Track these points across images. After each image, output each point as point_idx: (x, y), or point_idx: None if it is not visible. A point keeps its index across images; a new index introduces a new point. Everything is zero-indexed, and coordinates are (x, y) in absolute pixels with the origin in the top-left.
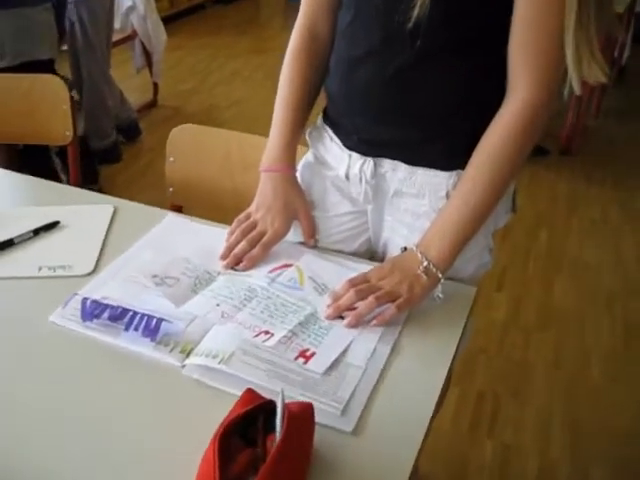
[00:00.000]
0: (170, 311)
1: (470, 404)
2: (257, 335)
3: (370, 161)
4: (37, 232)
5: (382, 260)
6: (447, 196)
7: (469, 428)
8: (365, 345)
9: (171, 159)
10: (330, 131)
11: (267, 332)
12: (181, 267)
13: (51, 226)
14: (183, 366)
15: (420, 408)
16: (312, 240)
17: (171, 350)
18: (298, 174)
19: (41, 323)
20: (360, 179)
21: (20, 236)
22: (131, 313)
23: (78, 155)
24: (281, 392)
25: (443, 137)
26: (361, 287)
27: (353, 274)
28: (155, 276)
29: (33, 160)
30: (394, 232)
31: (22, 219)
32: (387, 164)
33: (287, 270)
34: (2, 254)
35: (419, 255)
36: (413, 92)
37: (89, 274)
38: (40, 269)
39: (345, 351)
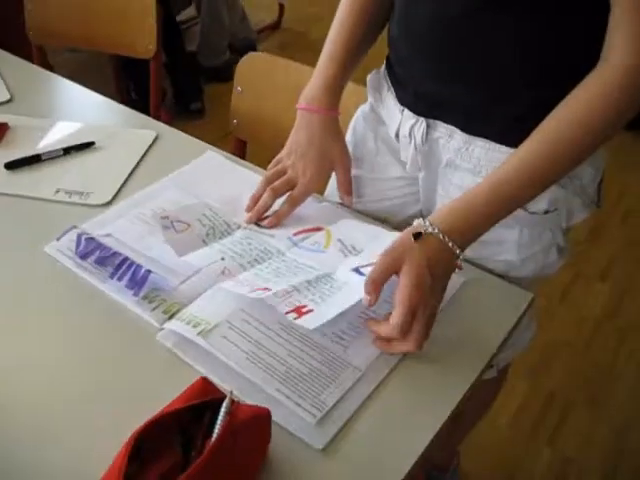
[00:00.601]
0: (171, 260)
1: (537, 403)
2: (253, 291)
3: (422, 122)
4: (68, 151)
5: None
6: None
7: (530, 430)
8: (370, 343)
9: (239, 89)
10: (389, 79)
11: (266, 289)
12: (198, 212)
13: (84, 146)
14: (161, 329)
15: (416, 435)
16: (349, 198)
17: (154, 308)
18: (351, 123)
19: (37, 251)
20: (410, 141)
21: (49, 152)
22: (121, 258)
23: (160, 71)
24: (229, 394)
25: (510, 104)
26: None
27: (391, 235)
28: (165, 217)
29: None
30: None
31: (61, 133)
32: (441, 129)
33: (315, 234)
34: (27, 169)
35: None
36: (478, 41)
37: (104, 205)
38: (57, 192)
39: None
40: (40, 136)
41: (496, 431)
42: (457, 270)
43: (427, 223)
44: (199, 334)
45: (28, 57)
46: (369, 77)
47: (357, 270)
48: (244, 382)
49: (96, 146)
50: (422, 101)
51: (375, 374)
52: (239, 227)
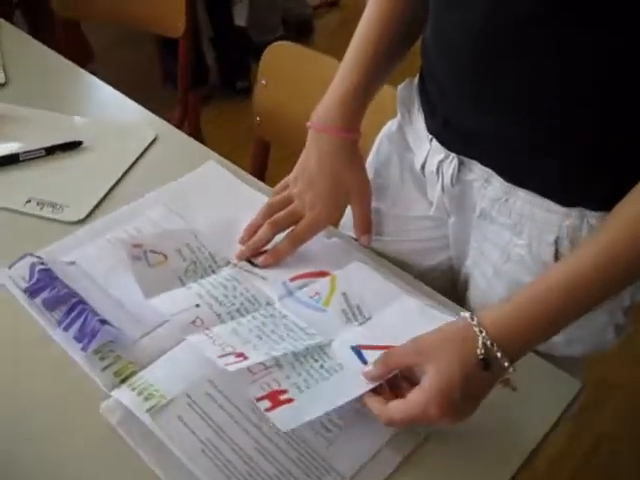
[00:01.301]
0: (138, 303)
1: (581, 448)
2: (223, 356)
3: (454, 159)
4: (51, 151)
5: (463, 295)
6: (556, 244)
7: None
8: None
9: (263, 82)
10: (419, 97)
11: (240, 355)
12: (180, 241)
13: (70, 146)
14: (109, 396)
15: None
16: (367, 237)
17: (105, 367)
18: (376, 144)
19: None
20: (437, 180)
21: (28, 153)
22: (73, 302)
23: (190, 51)
24: None
25: (566, 148)
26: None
27: (409, 303)
28: (138, 246)
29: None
30: (476, 266)
31: (49, 127)
32: (477, 170)
33: (317, 281)
34: (1, 171)
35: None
36: (531, 62)
37: (76, 222)
38: (28, 202)
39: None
40: (24, 130)
41: (532, 475)
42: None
43: (475, 321)
44: (149, 411)
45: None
46: (400, 88)
47: (357, 351)
48: None
49: (84, 146)
50: (453, 132)
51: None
52: (228, 263)
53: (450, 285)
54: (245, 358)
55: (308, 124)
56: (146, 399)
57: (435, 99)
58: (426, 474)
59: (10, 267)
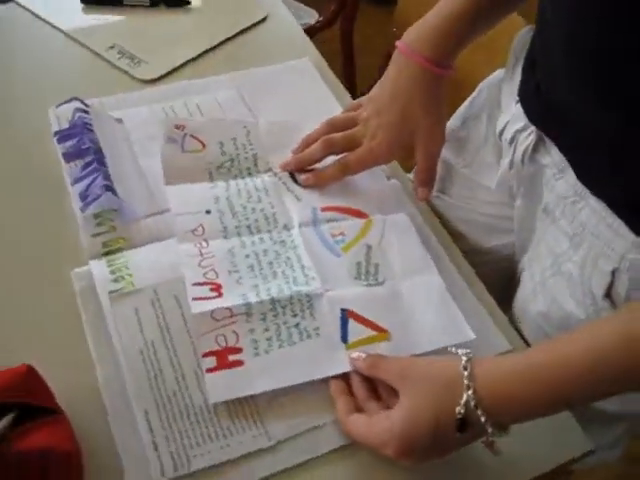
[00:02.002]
0: (156, 182)
1: None
2: (198, 284)
3: (532, 133)
4: (155, 3)
5: (512, 293)
6: (613, 276)
7: None
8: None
9: None
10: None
11: (216, 289)
12: (228, 134)
13: (176, 2)
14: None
15: None
16: (424, 191)
17: (96, 234)
18: (474, 92)
19: (42, 108)
20: (509, 151)
21: None
22: (91, 158)
23: None
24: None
25: None
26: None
27: (432, 282)
28: (180, 127)
29: None
30: (530, 265)
31: None
32: (554, 155)
33: (349, 219)
34: (103, 10)
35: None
36: None
37: (147, 81)
38: (111, 48)
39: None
40: None
41: None
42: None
43: (467, 372)
44: (111, 293)
45: None
46: (519, 33)
47: (344, 318)
48: (117, 386)
49: (191, 7)
50: (541, 101)
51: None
52: (268, 171)
53: (500, 276)
54: (219, 295)
55: (397, 43)
56: (115, 280)
57: (538, 56)
58: None
59: (58, 106)
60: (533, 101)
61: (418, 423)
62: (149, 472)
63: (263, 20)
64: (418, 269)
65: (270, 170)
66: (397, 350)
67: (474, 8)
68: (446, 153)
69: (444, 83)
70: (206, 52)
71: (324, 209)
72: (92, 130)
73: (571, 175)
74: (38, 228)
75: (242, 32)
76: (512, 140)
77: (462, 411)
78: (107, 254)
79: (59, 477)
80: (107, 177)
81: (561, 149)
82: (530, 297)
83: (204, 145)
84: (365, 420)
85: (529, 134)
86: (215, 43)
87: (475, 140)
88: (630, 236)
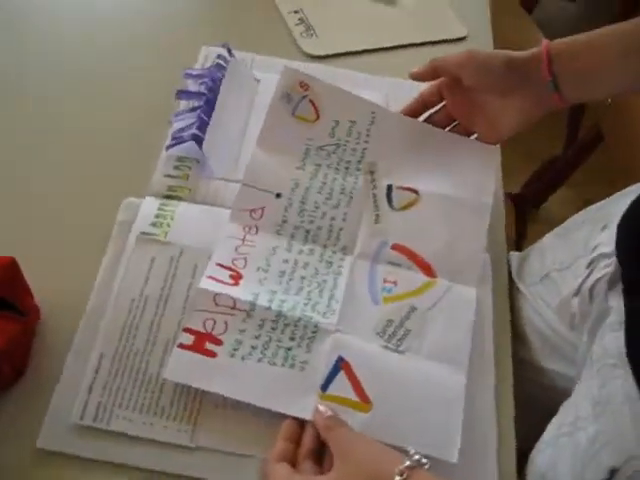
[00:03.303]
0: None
1: None
2: (221, 266)
3: (613, 264)
4: None
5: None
6: (611, 475)
7: None
8: None
9: None
10: None
11: (235, 277)
12: (350, 114)
13: None
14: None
15: None
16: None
17: (167, 175)
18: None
19: (196, 48)
20: (584, 272)
21: None
22: (198, 104)
23: None
24: None
25: None
26: None
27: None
28: (304, 86)
29: None
30: (561, 412)
31: None
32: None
33: (413, 272)
34: None
35: None
36: None
37: (309, 56)
38: (295, 12)
39: None
40: None
41: None
42: None
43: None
44: (142, 234)
45: None
46: None
47: (335, 367)
48: (94, 320)
49: (395, 2)
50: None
51: None
52: (370, 173)
53: (542, 407)
54: (235, 284)
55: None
56: (153, 225)
57: None
58: None
59: (209, 46)
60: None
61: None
62: (72, 409)
63: (461, 39)
64: (448, 358)
65: (371, 174)
66: (369, 428)
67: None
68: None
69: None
70: (383, 49)
71: (395, 247)
72: (220, 80)
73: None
74: (126, 149)
75: (432, 43)
76: (590, 262)
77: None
78: (166, 197)
79: None
80: (202, 128)
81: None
82: (541, 447)
83: (318, 116)
84: (289, 474)
85: (610, 263)
86: (397, 44)
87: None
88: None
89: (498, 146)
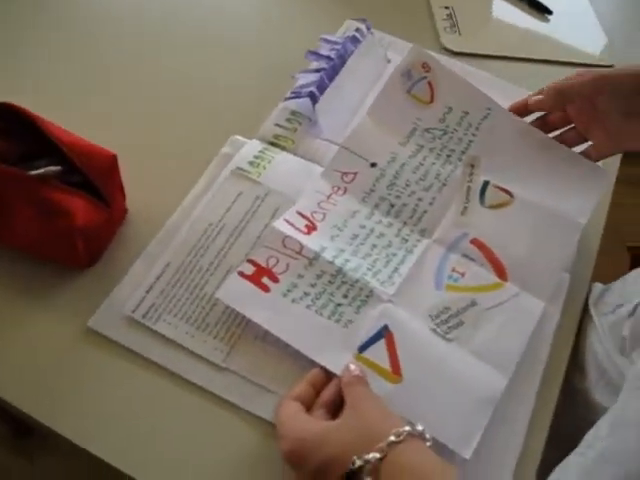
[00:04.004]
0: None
1: None
2: (300, 214)
3: None
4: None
5: None
6: None
7: None
8: None
9: None
10: None
11: (311, 227)
12: (464, 105)
13: (539, 7)
14: (247, 140)
15: None
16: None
17: (279, 125)
18: None
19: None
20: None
21: None
22: (322, 66)
23: None
24: None
25: None
26: None
27: None
28: (426, 67)
29: None
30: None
31: None
32: None
33: (484, 270)
34: None
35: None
36: None
37: (445, 49)
38: (446, 7)
39: None
40: None
41: None
42: None
43: (392, 438)
44: (238, 169)
45: None
46: None
47: (379, 333)
48: (171, 233)
49: (549, 17)
50: None
51: None
52: (470, 167)
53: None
54: (307, 233)
55: None
56: (250, 164)
57: None
58: None
59: (352, 19)
60: None
61: (324, 442)
62: (127, 302)
63: (607, 66)
64: (494, 360)
65: (471, 167)
66: (392, 399)
67: None
68: None
69: None
70: (522, 59)
71: (474, 242)
72: (351, 51)
73: None
74: (249, 94)
75: (574, 64)
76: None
77: (357, 464)
78: (271, 143)
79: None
80: (320, 89)
81: None
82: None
83: (432, 99)
84: (297, 411)
85: None
86: (537, 57)
87: None
88: None
89: (608, 172)
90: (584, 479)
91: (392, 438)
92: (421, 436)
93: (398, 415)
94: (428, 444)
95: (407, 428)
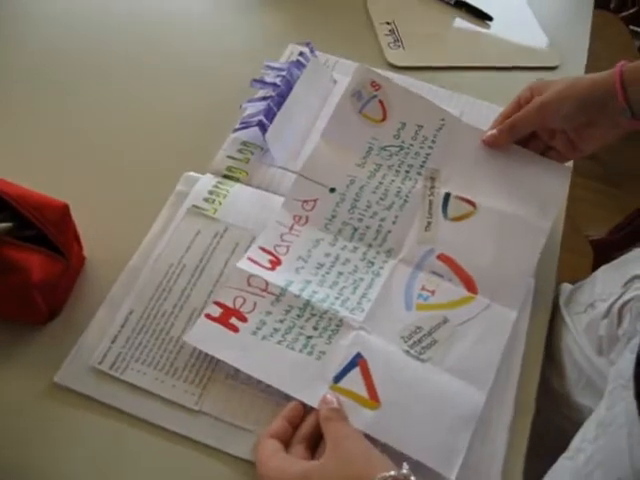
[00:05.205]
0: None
1: None
2: (264, 250)
3: None
4: (460, 5)
5: None
6: None
7: None
8: None
9: None
10: None
11: (274, 262)
12: (421, 116)
13: (478, 13)
14: (197, 175)
15: None
16: (492, 135)
17: (229, 157)
18: None
19: (282, 47)
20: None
21: None
22: (269, 94)
23: None
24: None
25: None
26: None
27: None
28: (376, 86)
29: None
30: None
31: None
32: None
33: (453, 285)
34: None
35: None
36: None
37: (390, 65)
38: (387, 23)
39: None
40: None
41: None
42: None
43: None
44: (194, 207)
45: None
46: None
47: (353, 362)
48: (131, 278)
49: (490, 24)
50: None
51: None
52: (430, 180)
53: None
54: (271, 269)
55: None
56: (205, 200)
57: None
58: None
59: (295, 44)
60: None
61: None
62: (93, 353)
63: (552, 68)
64: (470, 376)
65: (431, 180)
66: (372, 426)
67: None
68: None
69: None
70: (467, 68)
71: (440, 257)
72: (297, 76)
73: None
74: (197, 127)
75: (520, 69)
76: (626, 284)
77: None
78: (224, 176)
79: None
80: (269, 117)
81: None
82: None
83: (385, 117)
84: (276, 450)
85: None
86: (483, 64)
87: None
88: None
89: (570, 169)
90: None
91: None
92: (405, 478)
93: (380, 454)
94: None
95: (392, 473)
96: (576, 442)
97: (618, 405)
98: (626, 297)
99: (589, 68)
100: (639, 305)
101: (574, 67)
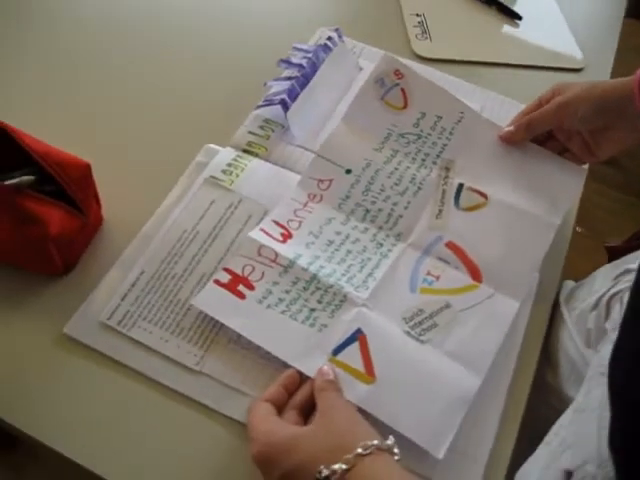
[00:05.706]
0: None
1: None
2: (276, 223)
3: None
4: (489, 2)
5: None
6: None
7: None
8: None
9: None
10: None
11: (286, 235)
12: (441, 108)
13: (507, 11)
14: (219, 148)
15: None
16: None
17: (252, 133)
18: None
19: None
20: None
21: None
22: (294, 74)
23: None
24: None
25: None
26: None
27: None
28: (398, 75)
29: None
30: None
31: None
32: None
33: (459, 273)
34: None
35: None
36: None
37: (417, 56)
38: (417, 15)
39: None
40: None
41: None
42: None
43: (359, 450)
44: (211, 177)
45: None
46: None
47: (353, 337)
48: (146, 241)
49: (519, 22)
50: None
51: None
52: (445, 170)
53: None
54: (282, 241)
55: None
56: (223, 172)
57: None
58: None
59: (324, 28)
60: None
61: (293, 449)
62: (102, 309)
63: (577, 70)
64: (467, 361)
65: (446, 170)
66: (366, 400)
67: None
68: None
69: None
70: (492, 64)
71: (448, 245)
72: (323, 59)
73: None
74: (222, 102)
75: (545, 68)
76: (616, 277)
77: (324, 473)
78: (244, 151)
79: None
80: (291, 96)
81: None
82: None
83: (406, 106)
84: (268, 413)
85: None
86: (509, 62)
87: None
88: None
89: (585, 170)
90: (550, 465)
91: (359, 450)
92: (389, 450)
93: (368, 426)
94: (396, 458)
95: (375, 442)
96: (555, 428)
97: (595, 391)
98: (615, 289)
99: (615, 75)
100: (622, 299)
101: (599, 72)
